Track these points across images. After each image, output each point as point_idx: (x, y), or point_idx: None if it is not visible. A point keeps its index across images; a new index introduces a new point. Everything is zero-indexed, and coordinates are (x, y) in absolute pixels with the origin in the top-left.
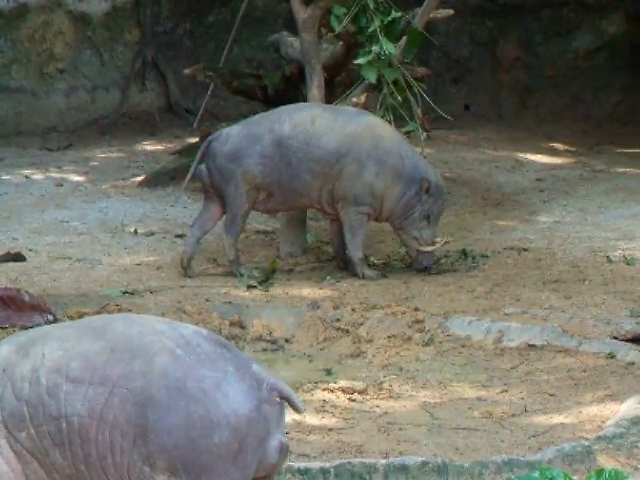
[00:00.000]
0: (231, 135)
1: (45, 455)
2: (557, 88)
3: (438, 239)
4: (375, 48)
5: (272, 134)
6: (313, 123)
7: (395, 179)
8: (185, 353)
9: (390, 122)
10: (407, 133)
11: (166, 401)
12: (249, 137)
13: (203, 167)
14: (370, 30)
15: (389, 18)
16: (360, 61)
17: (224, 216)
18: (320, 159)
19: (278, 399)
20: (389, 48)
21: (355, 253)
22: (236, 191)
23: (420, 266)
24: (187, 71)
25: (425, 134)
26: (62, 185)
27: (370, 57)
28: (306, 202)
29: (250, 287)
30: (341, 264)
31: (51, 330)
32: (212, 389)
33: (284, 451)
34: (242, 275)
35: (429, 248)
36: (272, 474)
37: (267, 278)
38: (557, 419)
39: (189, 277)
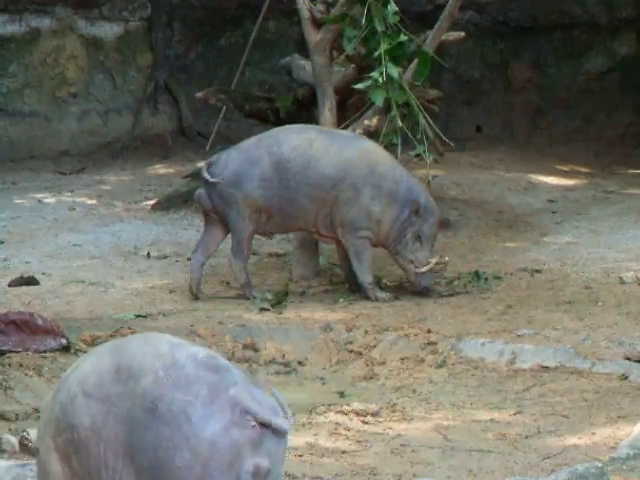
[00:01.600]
0: (230, 159)
1: (70, 460)
2: (569, 109)
3: (433, 259)
4: (374, 74)
5: (271, 157)
6: (311, 146)
7: (390, 203)
8: (165, 375)
9: (397, 145)
10: (416, 156)
11: (143, 422)
12: (248, 161)
13: (203, 192)
14: (376, 54)
15: (396, 42)
16: (359, 86)
17: (228, 239)
18: (317, 183)
19: (253, 423)
20: (392, 72)
21: (365, 278)
22: (238, 215)
23: (419, 287)
24: (199, 94)
25: (432, 158)
26: (75, 209)
27: (369, 83)
28: (302, 225)
29: (263, 310)
30: (353, 287)
31: (100, 346)
32: (178, 412)
33: (262, 475)
34: (255, 298)
35: (424, 269)
36: None
37: (280, 301)
38: (570, 440)
39: (201, 300)
